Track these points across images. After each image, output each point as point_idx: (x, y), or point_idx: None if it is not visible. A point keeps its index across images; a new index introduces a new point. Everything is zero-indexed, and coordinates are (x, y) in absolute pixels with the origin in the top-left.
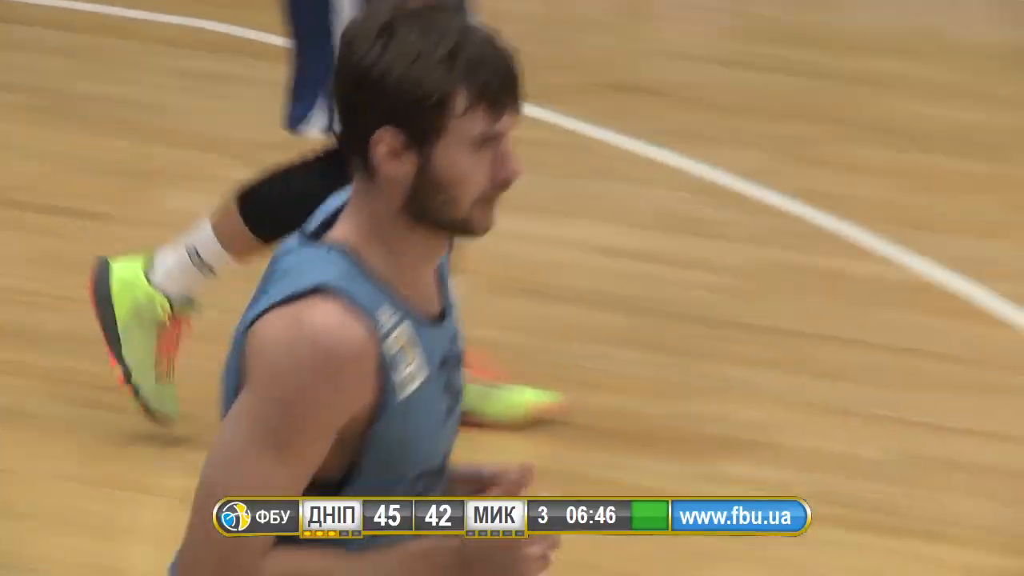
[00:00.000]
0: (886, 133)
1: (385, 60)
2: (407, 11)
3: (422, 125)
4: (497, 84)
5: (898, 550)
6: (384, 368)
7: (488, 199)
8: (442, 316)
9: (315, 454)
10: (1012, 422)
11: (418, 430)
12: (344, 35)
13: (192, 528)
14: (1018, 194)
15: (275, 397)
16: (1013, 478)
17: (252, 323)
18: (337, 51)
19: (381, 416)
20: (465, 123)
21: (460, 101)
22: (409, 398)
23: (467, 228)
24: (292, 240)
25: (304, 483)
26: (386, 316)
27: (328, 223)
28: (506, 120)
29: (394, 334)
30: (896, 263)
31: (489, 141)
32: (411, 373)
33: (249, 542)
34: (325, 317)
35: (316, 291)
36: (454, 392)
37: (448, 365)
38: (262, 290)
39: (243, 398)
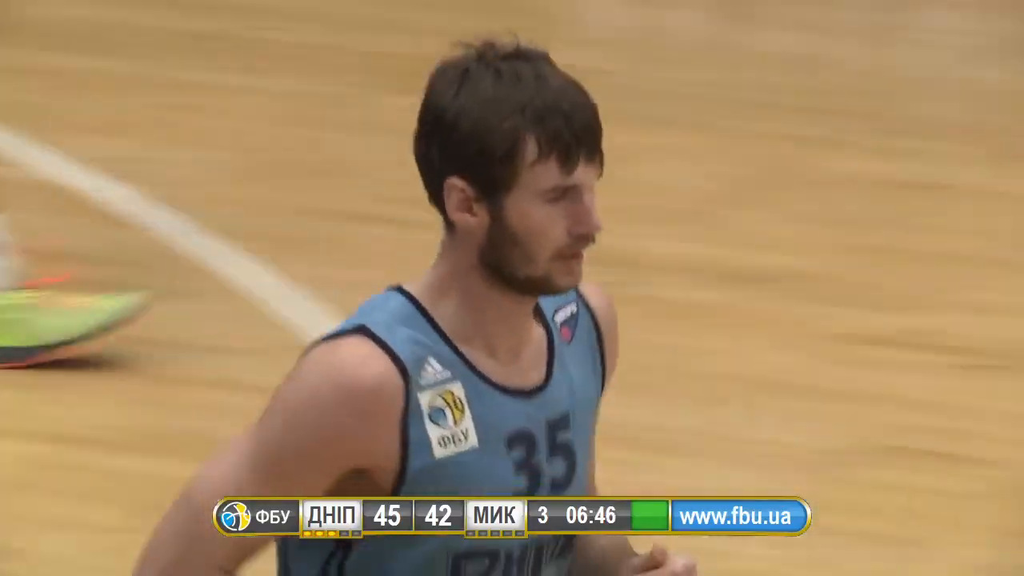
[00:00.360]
0: (13, 33)
1: (457, 105)
2: (488, 56)
3: (491, 175)
4: (570, 133)
5: None
6: (413, 419)
7: (567, 255)
8: (535, 390)
9: (304, 487)
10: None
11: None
12: (429, 78)
13: (165, 514)
14: (153, 92)
15: (280, 419)
16: None
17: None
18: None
19: (406, 472)
20: (536, 174)
21: (530, 150)
22: (446, 461)
23: (546, 285)
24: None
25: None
26: (433, 369)
27: None
28: (582, 172)
29: (438, 389)
30: (20, 162)
31: (565, 193)
32: (452, 435)
33: (210, 548)
34: (349, 354)
35: (354, 331)
36: (535, 474)
37: (526, 445)
38: None
39: (262, 412)
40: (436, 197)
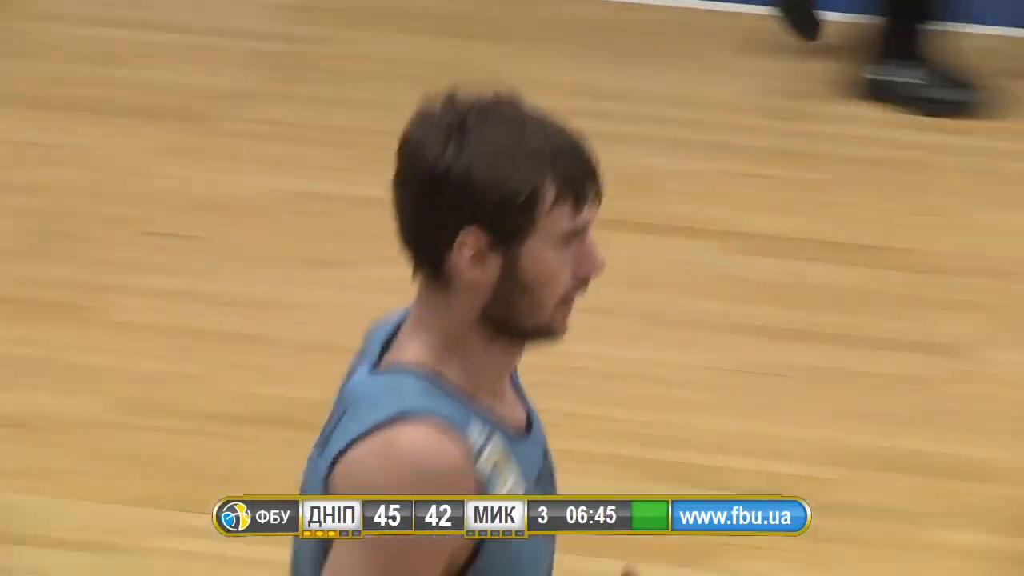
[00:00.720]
0: None
1: (465, 158)
2: (474, 107)
3: (511, 223)
4: (581, 174)
5: None
6: (481, 490)
7: (569, 299)
8: (528, 428)
9: None
10: None
11: (521, 557)
12: (406, 141)
13: None
14: None
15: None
16: None
17: (334, 463)
18: (397, 158)
19: (483, 544)
20: (553, 218)
21: (548, 195)
22: None
23: (548, 333)
24: (360, 371)
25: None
26: (476, 433)
27: (388, 345)
28: (588, 212)
29: (486, 452)
30: None
31: (574, 236)
32: (510, 492)
33: None
34: (418, 441)
35: (400, 417)
36: None
37: (543, 481)
38: (334, 428)
39: (341, 545)
40: (435, 255)
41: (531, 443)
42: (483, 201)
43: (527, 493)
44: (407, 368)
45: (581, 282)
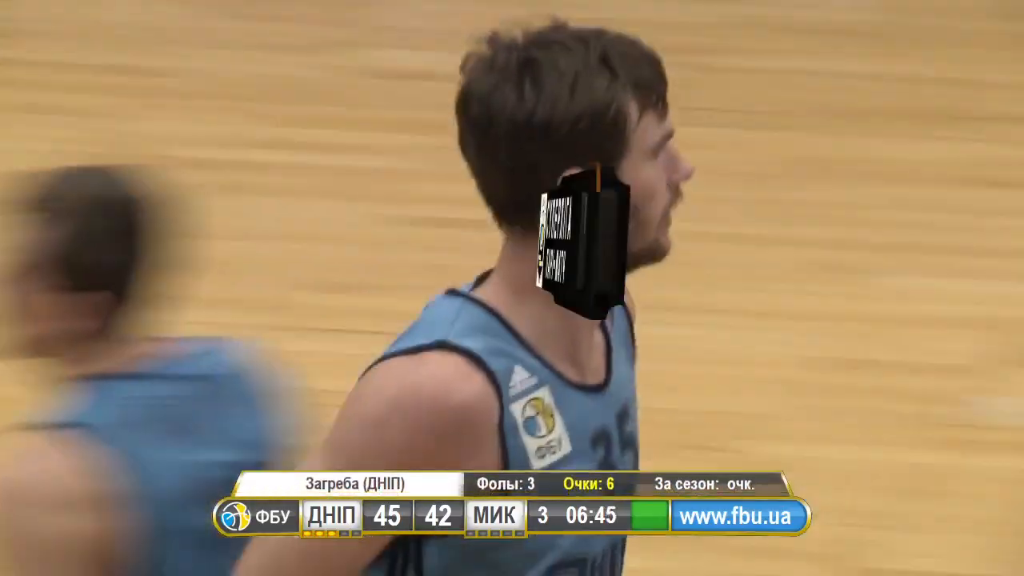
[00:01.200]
0: None
1: (546, 96)
2: (533, 40)
3: (605, 150)
4: (654, 76)
5: None
6: (510, 433)
7: (668, 213)
8: (603, 386)
9: None
10: None
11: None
12: (471, 94)
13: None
14: None
15: (359, 442)
16: None
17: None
18: (465, 115)
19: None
20: (642, 132)
21: (632, 108)
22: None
23: (656, 251)
24: (440, 293)
25: (374, 545)
26: (520, 377)
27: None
28: (669, 115)
29: (528, 398)
30: None
31: (663, 144)
32: (549, 443)
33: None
34: (437, 369)
35: (436, 346)
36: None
37: (605, 443)
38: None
39: (328, 436)
40: (533, 206)
41: (599, 400)
42: (574, 138)
43: (575, 451)
44: (473, 299)
45: (676, 191)
